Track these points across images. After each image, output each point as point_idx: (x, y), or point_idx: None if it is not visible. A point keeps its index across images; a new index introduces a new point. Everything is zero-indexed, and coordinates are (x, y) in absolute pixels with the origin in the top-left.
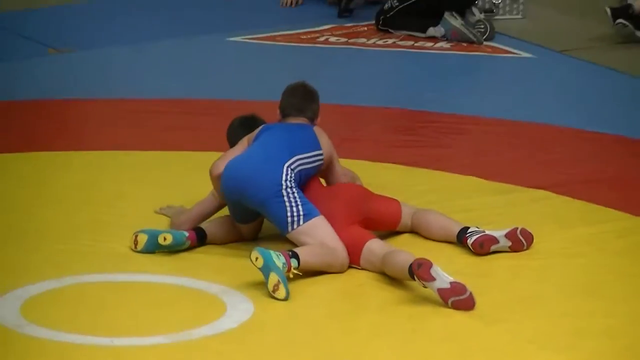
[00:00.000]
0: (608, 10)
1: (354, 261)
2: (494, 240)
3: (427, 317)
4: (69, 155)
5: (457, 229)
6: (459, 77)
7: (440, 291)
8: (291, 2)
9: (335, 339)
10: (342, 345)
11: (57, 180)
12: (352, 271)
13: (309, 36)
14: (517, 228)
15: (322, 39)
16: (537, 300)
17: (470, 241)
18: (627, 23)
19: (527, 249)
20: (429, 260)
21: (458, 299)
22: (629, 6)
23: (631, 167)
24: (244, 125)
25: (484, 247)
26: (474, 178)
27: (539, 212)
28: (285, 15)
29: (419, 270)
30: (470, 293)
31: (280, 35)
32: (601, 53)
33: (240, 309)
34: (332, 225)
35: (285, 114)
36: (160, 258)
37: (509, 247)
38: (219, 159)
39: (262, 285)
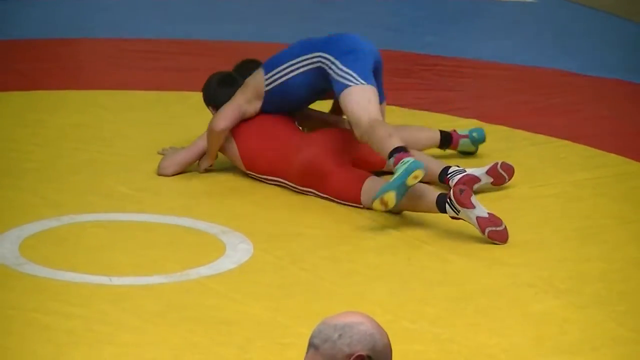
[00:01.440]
0: None
1: (354, 199)
2: (476, 179)
3: (426, 260)
4: (66, 94)
5: (438, 169)
6: (460, 21)
7: (479, 219)
8: None
9: (333, 281)
10: (340, 287)
11: (55, 120)
12: (352, 214)
13: None
14: (497, 163)
15: None
16: (536, 244)
17: (452, 182)
18: None
19: (509, 182)
20: (469, 187)
21: (495, 229)
22: None
23: (631, 112)
24: (222, 83)
25: (464, 193)
26: (475, 121)
27: (539, 156)
28: None
29: (462, 195)
30: (505, 227)
31: None
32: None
33: (239, 249)
34: (323, 171)
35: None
36: (160, 198)
37: (491, 182)
38: (218, 116)
39: (262, 225)
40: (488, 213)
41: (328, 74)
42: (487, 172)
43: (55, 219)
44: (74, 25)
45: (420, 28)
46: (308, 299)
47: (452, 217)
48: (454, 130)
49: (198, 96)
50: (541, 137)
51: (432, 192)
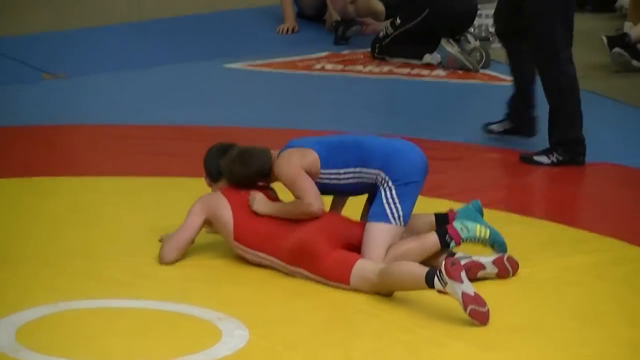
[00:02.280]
0: (604, 38)
1: (343, 280)
2: (481, 266)
3: (423, 344)
4: (64, 180)
5: (444, 254)
6: (455, 105)
7: (465, 295)
8: (288, 29)
9: None
10: None
11: (52, 205)
12: (347, 298)
13: (305, 63)
14: (503, 255)
15: (318, 66)
16: (535, 329)
17: None
18: (623, 52)
19: (513, 276)
20: (472, 271)
21: (477, 309)
22: (625, 35)
23: (624, 196)
24: (222, 152)
25: (470, 272)
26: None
27: (534, 239)
28: (282, 42)
29: (452, 268)
30: (488, 309)
31: (276, 62)
32: (597, 81)
33: (235, 335)
34: (315, 251)
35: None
36: (156, 284)
37: (496, 273)
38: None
39: (258, 311)
40: (474, 292)
41: (378, 190)
42: (493, 262)
43: (52, 305)
44: (68, 112)
45: (415, 112)
46: None
47: (439, 291)
48: (450, 210)
49: (194, 181)
50: (535, 220)
51: (422, 268)
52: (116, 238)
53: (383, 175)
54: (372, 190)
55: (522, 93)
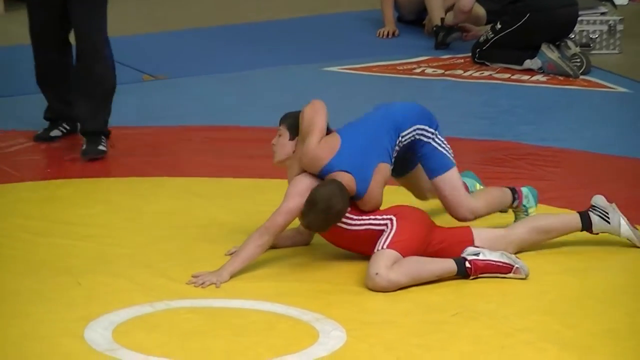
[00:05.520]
0: None
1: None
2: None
3: (520, 349)
4: (161, 180)
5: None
6: (555, 111)
7: None
8: (388, 33)
9: None
10: None
11: (149, 206)
12: (445, 301)
13: (405, 67)
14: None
15: (418, 70)
16: (631, 333)
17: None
18: None
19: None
20: None
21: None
22: None
23: None
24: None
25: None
26: (570, 210)
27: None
28: (382, 46)
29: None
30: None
31: (376, 66)
32: None
33: (332, 336)
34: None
35: None
36: (253, 284)
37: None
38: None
39: (354, 313)
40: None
41: (423, 144)
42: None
43: (149, 304)
44: (167, 113)
45: (515, 117)
46: None
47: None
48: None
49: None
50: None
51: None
52: (212, 240)
53: (421, 127)
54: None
55: None
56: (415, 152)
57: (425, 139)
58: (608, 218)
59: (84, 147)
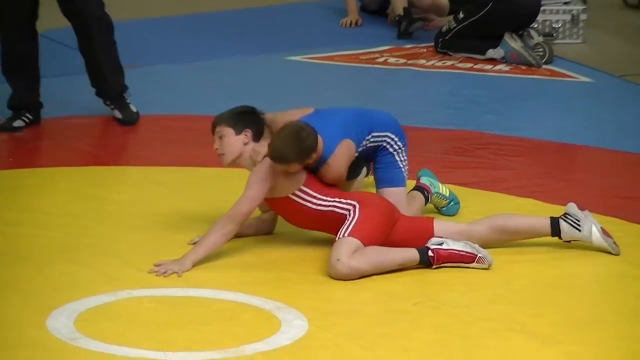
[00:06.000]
0: None
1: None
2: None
3: (482, 338)
4: (125, 170)
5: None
6: (517, 100)
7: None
8: (351, 22)
9: (390, 358)
10: None
11: (113, 195)
12: (407, 291)
13: (368, 57)
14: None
15: (381, 59)
16: (593, 324)
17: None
18: None
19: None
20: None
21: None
22: None
23: None
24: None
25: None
26: (532, 200)
27: None
28: (345, 35)
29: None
30: None
31: (339, 56)
32: None
33: (294, 325)
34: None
35: None
36: (216, 273)
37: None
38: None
39: (317, 302)
40: None
41: (387, 153)
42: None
43: (112, 293)
44: (131, 102)
45: (478, 107)
46: None
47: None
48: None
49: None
50: (599, 217)
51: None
52: (176, 229)
53: (392, 136)
54: (371, 155)
55: None
56: (375, 158)
57: (391, 149)
58: (579, 226)
59: (121, 115)
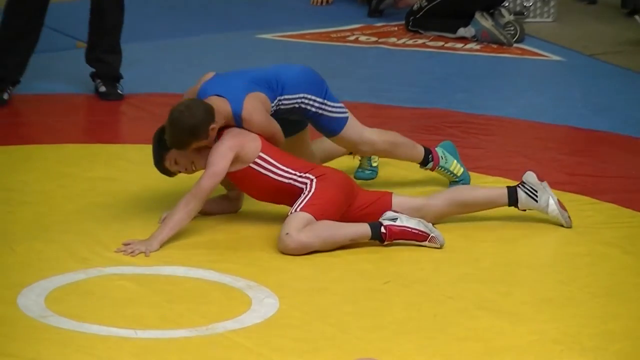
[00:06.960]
0: (638, 18)
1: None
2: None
3: (452, 316)
4: (96, 147)
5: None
6: (488, 79)
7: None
8: (321, 0)
9: (359, 336)
10: (366, 342)
11: (83, 173)
12: (377, 269)
13: (338, 35)
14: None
15: (352, 37)
16: (563, 301)
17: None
18: None
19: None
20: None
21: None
22: None
23: None
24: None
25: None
26: (502, 179)
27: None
28: (316, 13)
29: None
30: None
31: (309, 34)
32: (630, 57)
33: (265, 304)
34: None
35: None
36: (186, 252)
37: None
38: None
39: (287, 280)
40: None
41: (312, 113)
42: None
43: (82, 271)
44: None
45: (448, 85)
46: (334, 354)
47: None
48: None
49: None
50: (568, 195)
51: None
52: (147, 206)
53: (308, 96)
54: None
55: None
56: (305, 117)
57: (313, 109)
58: (536, 196)
59: (105, 89)
